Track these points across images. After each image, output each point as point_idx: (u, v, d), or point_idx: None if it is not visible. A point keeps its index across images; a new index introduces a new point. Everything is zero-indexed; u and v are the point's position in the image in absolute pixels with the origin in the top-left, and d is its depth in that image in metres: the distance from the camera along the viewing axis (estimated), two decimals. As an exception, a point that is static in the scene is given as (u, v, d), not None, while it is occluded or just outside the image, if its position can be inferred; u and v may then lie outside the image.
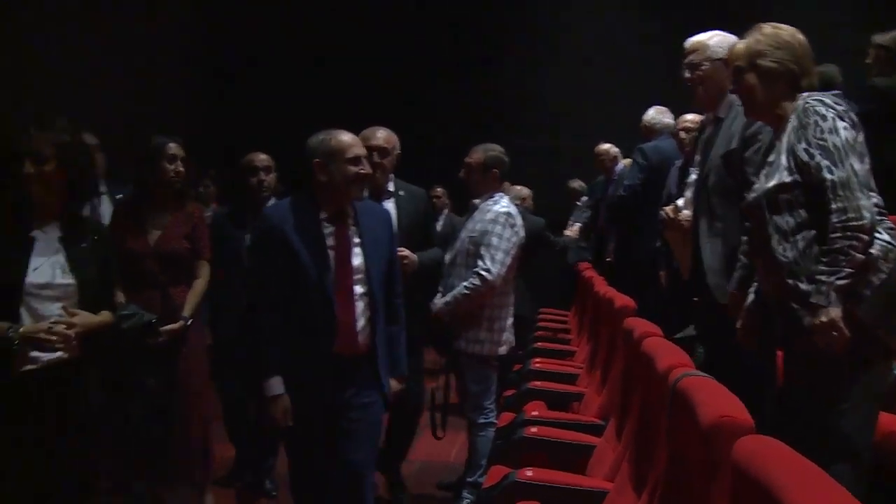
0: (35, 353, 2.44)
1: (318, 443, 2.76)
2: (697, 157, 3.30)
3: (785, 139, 2.29)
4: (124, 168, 3.99)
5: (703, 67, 3.04)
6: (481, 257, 3.70)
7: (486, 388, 3.84)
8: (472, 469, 3.80)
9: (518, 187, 6.01)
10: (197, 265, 3.47)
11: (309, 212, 2.76)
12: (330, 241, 2.75)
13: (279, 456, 3.69)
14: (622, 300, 3.72)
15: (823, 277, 2.12)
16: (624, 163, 5.79)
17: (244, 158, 3.98)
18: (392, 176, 3.65)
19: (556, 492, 2.55)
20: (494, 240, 3.71)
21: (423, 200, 3.82)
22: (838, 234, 2.12)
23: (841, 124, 2.20)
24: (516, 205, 4.27)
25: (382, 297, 2.83)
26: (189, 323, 3.37)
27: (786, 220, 2.24)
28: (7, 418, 2.48)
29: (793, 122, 2.29)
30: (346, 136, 2.77)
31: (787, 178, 2.23)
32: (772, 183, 2.27)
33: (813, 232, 2.21)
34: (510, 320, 3.92)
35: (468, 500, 3.73)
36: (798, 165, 2.22)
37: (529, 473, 2.61)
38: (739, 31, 2.57)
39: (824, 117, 2.22)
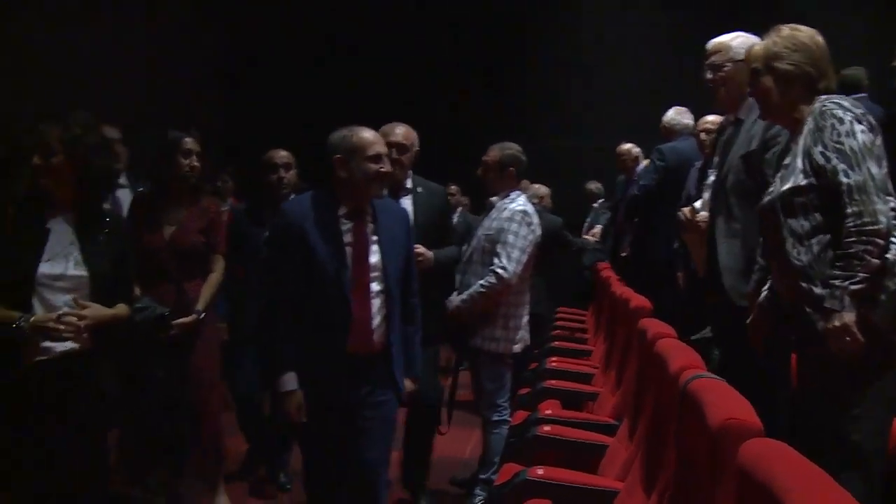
0: (47, 344, 2.46)
1: (332, 440, 2.75)
2: (716, 159, 3.29)
3: (801, 142, 2.28)
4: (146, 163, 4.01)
5: (725, 69, 3.02)
6: (497, 255, 3.71)
7: (501, 386, 3.85)
8: (486, 466, 3.81)
9: (536, 186, 6.01)
10: (212, 259, 3.49)
11: (327, 208, 2.74)
12: (348, 238, 2.73)
13: (294, 450, 3.73)
14: (638, 300, 3.72)
15: (837, 282, 2.11)
16: (645, 163, 5.77)
17: (264, 155, 3.99)
18: (410, 173, 3.62)
19: (566, 490, 2.55)
20: (511, 238, 3.72)
21: (441, 198, 3.79)
22: (853, 239, 2.10)
23: (858, 127, 2.18)
24: (534, 203, 4.28)
25: (399, 296, 2.83)
26: (202, 317, 3.39)
27: (800, 224, 2.23)
28: (19, 408, 2.50)
29: (809, 125, 2.27)
30: (367, 133, 2.76)
31: (803, 182, 2.22)
32: (787, 186, 2.25)
33: (828, 236, 2.19)
34: (526, 318, 3.92)
35: (481, 497, 3.74)
36: (814, 168, 2.21)
37: (541, 472, 2.60)
38: (763, 33, 2.55)
39: (841, 120, 2.20)
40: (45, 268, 2.48)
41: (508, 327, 3.80)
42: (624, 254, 5.72)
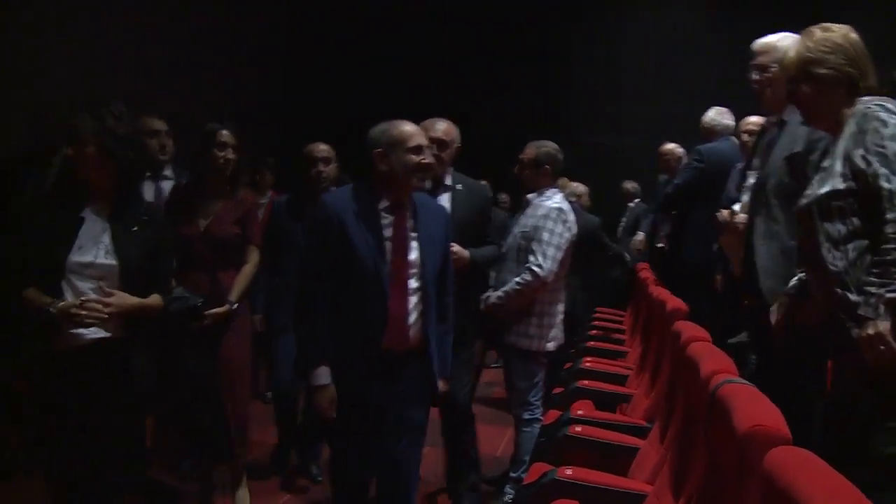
0: (78, 331, 2.50)
1: (362, 436, 2.73)
2: (756, 160, 3.25)
3: (841, 144, 2.21)
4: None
5: (771, 69, 2.97)
6: (533, 253, 3.70)
7: (533, 385, 3.83)
8: (516, 465, 3.81)
9: (574, 184, 5.98)
10: (246, 251, 3.52)
11: (368, 201, 2.71)
12: (387, 233, 2.70)
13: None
14: (674, 302, 3.69)
15: (873, 289, 2.05)
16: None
17: (305, 148, 4.01)
18: (451, 169, 3.59)
19: (594, 492, 2.54)
20: (546, 235, 3.71)
21: (481, 196, 3.68)
22: (891, 246, 2.04)
23: None
24: (571, 202, 4.26)
25: (434, 294, 2.79)
26: (235, 307, 3.42)
27: (837, 228, 2.16)
28: (53, 396, 2.56)
29: (851, 128, 2.20)
30: (408, 126, 2.74)
31: (841, 185, 2.16)
32: (824, 189, 2.19)
33: (865, 241, 2.13)
34: (560, 317, 3.91)
35: (510, 496, 3.74)
36: (854, 172, 2.14)
37: (569, 472, 2.60)
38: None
39: (885, 123, 2.13)
40: (75, 256, 2.52)
41: (542, 325, 3.79)
42: (660, 245, 5.65)
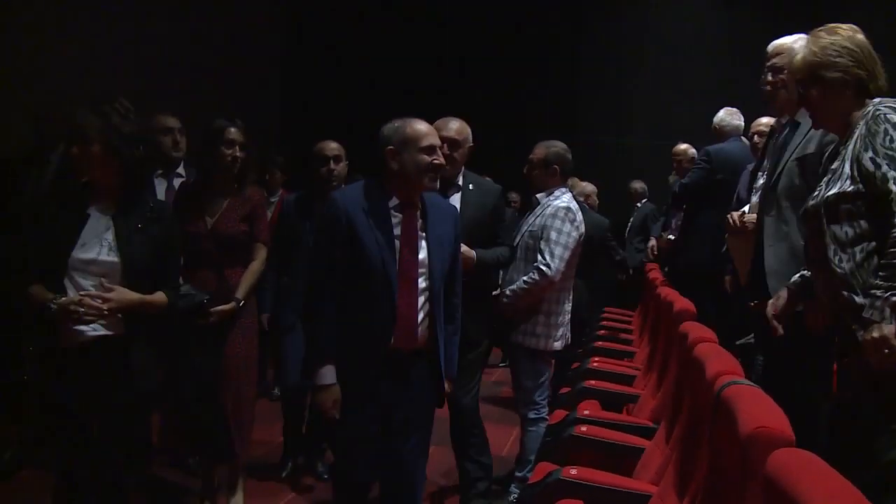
0: (80, 328, 2.49)
1: (368, 436, 2.70)
2: (766, 162, 3.24)
3: (850, 146, 2.19)
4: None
5: (787, 71, 2.96)
6: (541, 252, 3.70)
7: (539, 384, 3.83)
8: (521, 464, 3.82)
9: (583, 183, 5.97)
10: (253, 248, 3.50)
11: (378, 199, 2.68)
12: (396, 231, 2.66)
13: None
14: (681, 303, 3.68)
15: (879, 292, 2.03)
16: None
17: (315, 147, 3.99)
18: (463, 169, 3.54)
19: (599, 492, 2.53)
20: (554, 234, 3.71)
21: (493, 196, 3.60)
22: None
23: None
24: (579, 201, 4.26)
25: (442, 294, 2.76)
26: (241, 304, 3.41)
27: (844, 231, 2.15)
28: (57, 392, 2.56)
29: (860, 130, 2.18)
30: (421, 125, 2.70)
31: (849, 188, 2.14)
32: (832, 191, 2.18)
33: (873, 244, 2.11)
34: (568, 316, 3.90)
35: (515, 495, 3.74)
36: (862, 175, 2.12)
37: (574, 472, 2.60)
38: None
39: (895, 125, 2.12)
40: (78, 253, 2.52)
41: (549, 324, 3.79)
42: (671, 236, 5.64)
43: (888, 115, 2.14)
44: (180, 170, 4.02)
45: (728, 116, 4.97)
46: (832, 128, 2.42)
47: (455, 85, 8.93)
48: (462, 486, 3.67)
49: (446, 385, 2.83)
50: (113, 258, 2.55)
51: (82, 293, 2.47)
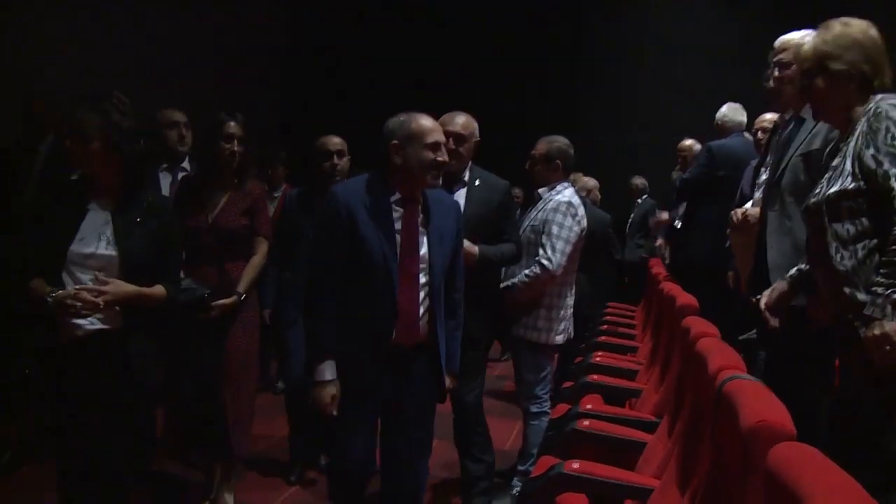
0: (79, 322, 2.49)
1: (367, 432, 2.70)
2: (769, 158, 3.24)
3: (852, 143, 2.19)
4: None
5: (793, 67, 2.96)
6: (542, 246, 3.70)
7: (541, 378, 3.83)
8: (524, 458, 3.82)
9: (585, 178, 5.96)
10: (255, 242, 3.50)
11: (380, 193, 2.65)
12: (398, 226, 2.65)
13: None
14: (684, 298, 3.69)
15: (880, 290, 2.03)
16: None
17: (317, 141, 3.96)
18: (470, 164, 3.50)
19: (601, 486, 2.54)
20: (555, 229, 3.71)
21: (499, 192, 3.51)
22: None
23: None
24: (581, 196, 4.26)
25: (443, 290, 2.75)
26: (243, 298, 3.41)
27: (846, 229, 2.14)
28: (59, 386, 2.57)
29: (862, 126, 2.18)
30: (426, 121, 2.68)
31: (851, 185, 2.13)
32: (834, 189, 2.17)
33: (874, 241, 2.10)
34: (570, 310, 3.91)
35: (517, 489, 3.75)
36: (864, 172, 2.12)
37: (576, 465, 2.59)
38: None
39: None
40: (76, 247, 2.52)
41: (551, 318, 3.79)
42: (678, 224, 5.62)
43: (890, 112, 2.13)
44: (185, 164, 4.01)
45: (731, 112, 4.96)
46: (833, 121, 2.42)
47: (456, 81, 8.90)
48: (463, 484, 3.66)
49: (448, 380, 2.82)
50: (111, 252, 2.55)
51: (78, 286, 2.46)
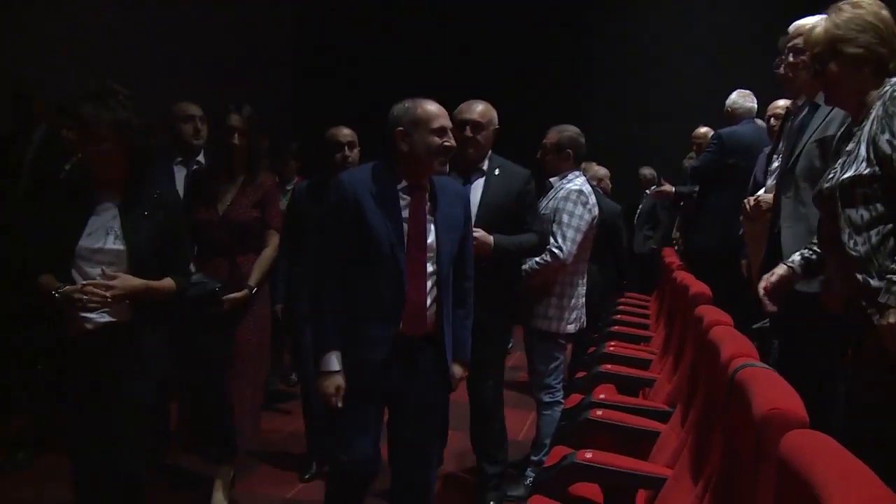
0: (87, 316, 2.50)
1: (369, 431, 2.67)
2: (781, 145, 3.21)
3: (866, 128, 2.14)
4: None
5: (808, 53, 2.92)
6: (553, 235, 3.69)
7: (553, 367, 3.83)
8: (537, 448, 3.83)
9: (596, 167, 5.93)
10: (266, 235, 3.49)
11: (386, 181, 2.62)
12: (405, 214, 2.61)
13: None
14: (697, 287, 3.67)
15: (895, 277, 1.99)
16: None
17: (328, 132, 3.94)
18: (490, 153, 3.45)
19: (614, 475, 2.53)
20: (566, 217, 3.70)
21: (520, 181, 3.43)
22: None
23: None
24: (592, 185, 4.25)
25: (450, 279, 2.71)
26: (254, 292, 3.41)
27: (860, 215, 2.09)
28: (70, 381, 2.59)
29: (877, 111, 2.13)
30: (431, 106, 2.65)
31: (865, 171, 2.08)
32: (848, 174, 2.12)
33: (889, 226, 2.06)
34: (582, 299, 3.90)
35: (531, 479, 3.75)
36: (879, 157, 2.07)
37: (589, 455, 2.58)
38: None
39: None
40: (85, 241, 2.53)
41: (562, 306, 3.79)
42: (681, 202, 5.59)
43: None
44: (200, 158, 4.00)
45: (741, 99, 4.92)
46: (846, 106, 2.36)
47: (467, 71, 8.88)
48: (478, 483, 3.64)
49: (459, 369, 2.79)
50: (119, 246, 2.56)
51: (85, 282, 2.47)
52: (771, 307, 2.50)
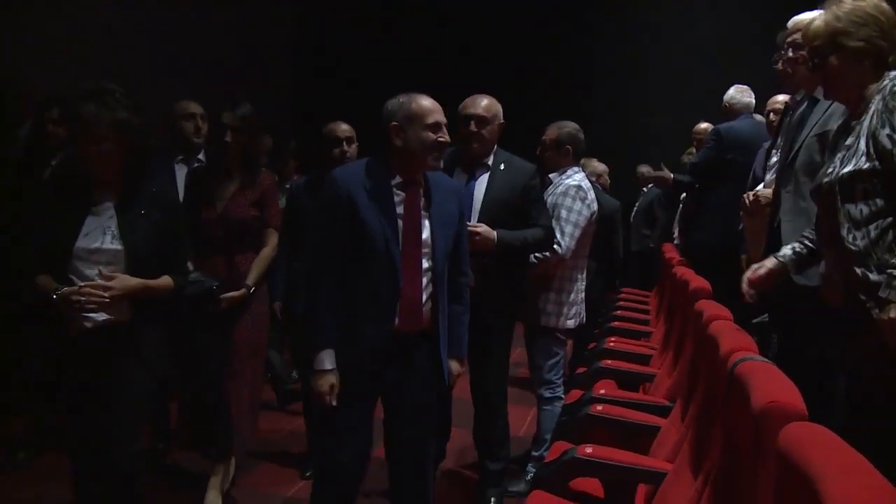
0: (87, 316, 2.50)
1: (359, 434, 2.64)
2: (780, 140, 3.21)
3: (866, 122, 2.14)
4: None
5: (807, 47, 2.92)
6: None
7: (553, 363, 3.84)
8: (538, 443, 3.83)
9: (595, 163, 5.93)
10: (264, 233, 3.49)
11: (380, 177, 2.60)
12: (399, 210, 2.60)
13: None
14: (697, 282, 3.67)
15: (895, 271, 1.99)
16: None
17: (325, 128, 3.92)
18: (496, 148, 3.42)
19: (615, 470, 2.53)
20: (564, 213, 3.71)
21: (525, 176, 3.40)
22: None
23: None
24: (591, 181, 4.25)
25: (445, 275, 2.70)
26: (252, 291, 3.40)
27: (859, 209, 2.09)
28: (65, 377, 2.59)
29: (877, 105, 2.12)
30: (426, 101, 2.63)
31: (865, 165, 2.08)
32: (847, 169, 2.12)
33: (889, 220, 2.05)
34: (581, 295, 3.91)
35: (531, 474, 3.75)
36: (879, 152, 2.06)
37: (589, 450, 2.58)
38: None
39: None
40: (82, 242, 2.52)
41: (561, 301, 3.80)
42: (682, 195, 5.58)
43: None
44: (201, 156, 4.00)
45: (738, 94, 4.92)
46: (845, 100, 2.35)
47: (467, 68, 8.88)
48: (480, 482, 3.64)
49: (455, 365, 2.79)
50: (116, 246, 2.55)
51: (83, 283, 2.46)
52: (749, 296, 2.50)
